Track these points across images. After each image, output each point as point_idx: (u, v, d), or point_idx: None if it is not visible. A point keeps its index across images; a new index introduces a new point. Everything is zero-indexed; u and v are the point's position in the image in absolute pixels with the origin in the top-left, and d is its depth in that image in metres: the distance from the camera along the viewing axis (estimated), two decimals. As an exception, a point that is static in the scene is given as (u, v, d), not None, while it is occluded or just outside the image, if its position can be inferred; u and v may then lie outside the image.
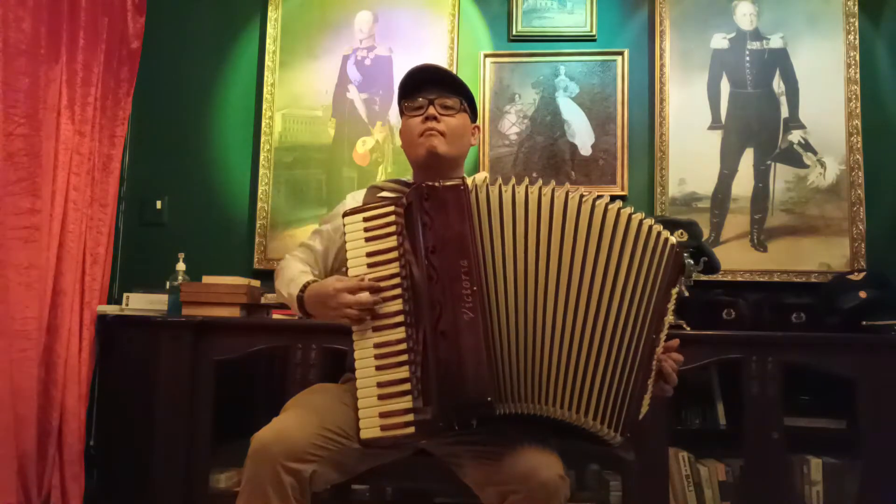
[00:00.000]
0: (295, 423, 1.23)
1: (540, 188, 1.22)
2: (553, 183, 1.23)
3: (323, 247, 1.53)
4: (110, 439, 2.44)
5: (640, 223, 1.22)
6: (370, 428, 1.18)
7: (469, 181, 1.25)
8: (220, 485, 2.22)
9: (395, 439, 1.17)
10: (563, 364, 1.16)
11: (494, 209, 1.21)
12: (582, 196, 1.21)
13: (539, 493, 1.13)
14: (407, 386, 1.18)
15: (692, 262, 2.21)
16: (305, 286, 1.37)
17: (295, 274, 1.43)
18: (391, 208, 1.27)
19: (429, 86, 1.47)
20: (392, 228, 1.26)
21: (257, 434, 1.20)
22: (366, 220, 1.28)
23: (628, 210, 1.23)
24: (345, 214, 1.31)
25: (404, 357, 1.19)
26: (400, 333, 1.21)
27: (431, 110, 1.44)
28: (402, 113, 1.52)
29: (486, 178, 1.43)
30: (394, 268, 1.24)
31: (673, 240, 1.25)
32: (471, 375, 1.12)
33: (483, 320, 1.15)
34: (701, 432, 2.27)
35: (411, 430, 1.16)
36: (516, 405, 1.16)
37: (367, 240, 1.27)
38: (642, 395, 1.20)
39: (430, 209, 1.21)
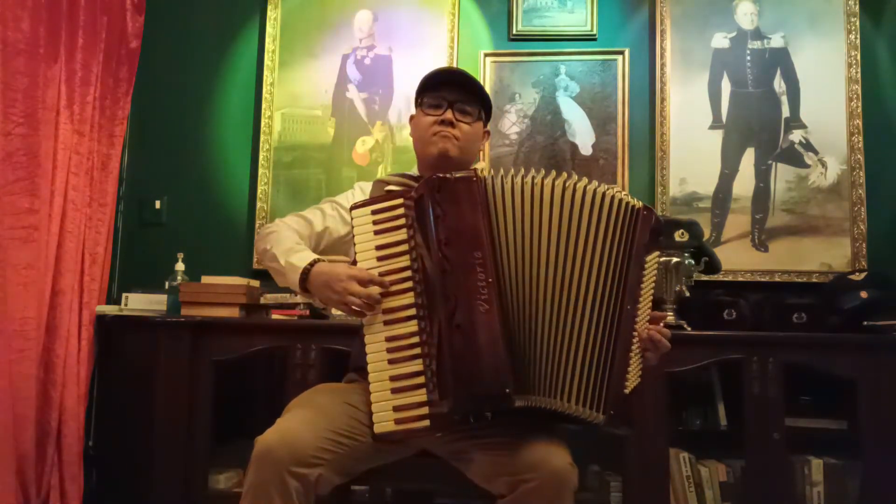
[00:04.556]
0: (301, 425, 1.21)
1: (553, 178, 1.22)
2: (563, 174, 1.23)
3: (322, 228, 1.51)
4: (109, 440, 2.43)
5: (604, 195, 1.23)
6: (384, 422, 1.17)
7: (479, 172, 1.25)
8: (219, 485, 2.21)
9: (409, 433, 1.17)
10: (549, 351, 1.18)
11: (507, 199, 1.21)
12: (574, 183, 1.22)
13: (551, 480, 1.15)
14: (421, 379, 1.17)
15: (693, 261, 2.23)
16: (314, 262, 1.32)
17: (293, 245, 1.39)
18: (400, 201, 1.26)
19: (451, 87, 1.47)
20: (402, 221, 1.24)
21: (261, 437, 1.17)
22: (374, 212, 1.26)
23: (602, 188, 1.23)
24: (352, 207, 1.28)
25: (417, 350, 1.18)
26: (412, 326, 1.20)
27: (449, 115, 1.45)
28: (418, 105, 1.52)
29: (484, 167, 1.45)
30: (404, 261, 1.23)
31: (639, 204, 1.25)
32: (488, 368, 1.13)
33: (499, 312, 1.15)
34: (702, 433, 2.26)
35: (426, 423, 1.16)
36: (531, 398, 1.17)
37: (377, 233, 1.25)
38: (623, 370, 1.19)
39: (443, 201, 1.20)
